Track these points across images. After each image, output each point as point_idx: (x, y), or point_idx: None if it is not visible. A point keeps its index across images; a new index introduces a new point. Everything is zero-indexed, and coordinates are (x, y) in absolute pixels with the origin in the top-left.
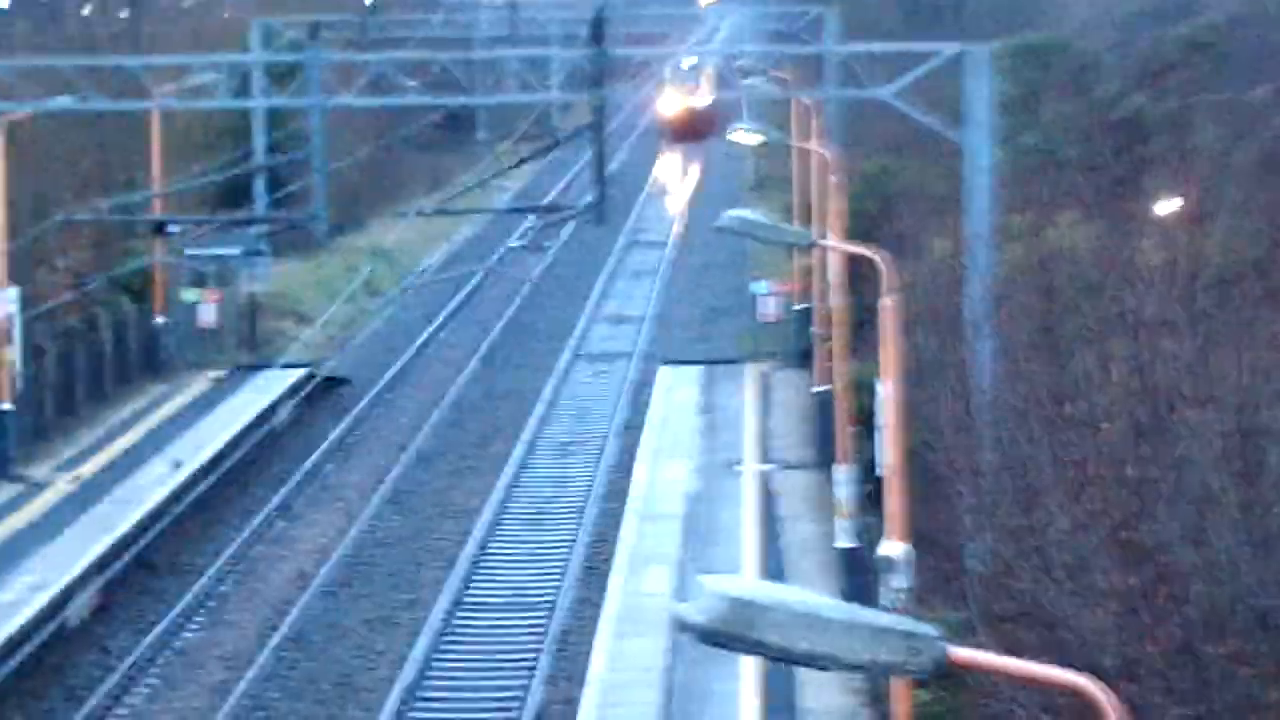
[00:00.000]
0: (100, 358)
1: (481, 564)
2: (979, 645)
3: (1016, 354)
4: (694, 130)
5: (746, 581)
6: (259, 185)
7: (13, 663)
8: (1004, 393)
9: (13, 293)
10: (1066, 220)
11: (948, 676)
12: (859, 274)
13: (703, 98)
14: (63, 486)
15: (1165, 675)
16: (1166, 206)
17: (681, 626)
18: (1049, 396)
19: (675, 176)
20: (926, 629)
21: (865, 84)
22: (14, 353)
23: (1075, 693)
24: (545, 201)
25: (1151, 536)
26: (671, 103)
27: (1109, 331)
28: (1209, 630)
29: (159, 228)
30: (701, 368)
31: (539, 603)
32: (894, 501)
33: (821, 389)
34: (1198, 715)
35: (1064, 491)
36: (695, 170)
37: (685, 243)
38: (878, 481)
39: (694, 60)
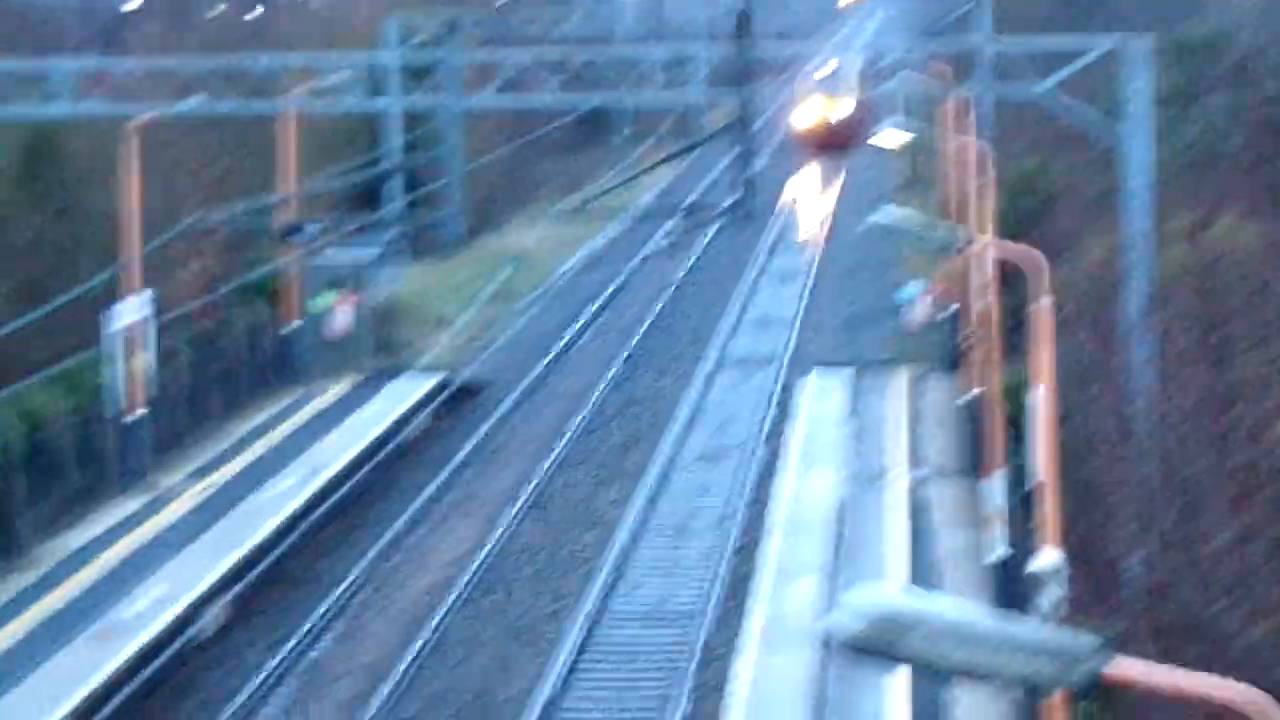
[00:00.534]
0: (233, 364)
1: (624, 574)
2: (1140, 657)
3: (1177, 359)
4: (833, 143)
5: (896, 592)
6: (394, 187)
7: (144, 675)
8: (1164, 399)
9: (146, 296)
10: (1229, 220)
11: (1104, 691)
12: (1012, 275)
13: (842, 108)
14: (195, 495)
15: None
16: None
17: (831, 639)
18: (1212, 402)
19: (813, 194)
20: (1083, 641)
21: (1018, 80)
22: (147, 358)
23: (1239, 708)
24: (687, 203)
25: None
26: (807, 114)
27: (1275, 334)
28: None
29: (292, 231)
30: (850, 372)
31: (683, 614)
32: (1049, 511)
33: (971, 394)
34: None
35: (1227, 501)
36: (835, 188)
37: (823, 270)
38: (1028, 490)
39: (833, 66)
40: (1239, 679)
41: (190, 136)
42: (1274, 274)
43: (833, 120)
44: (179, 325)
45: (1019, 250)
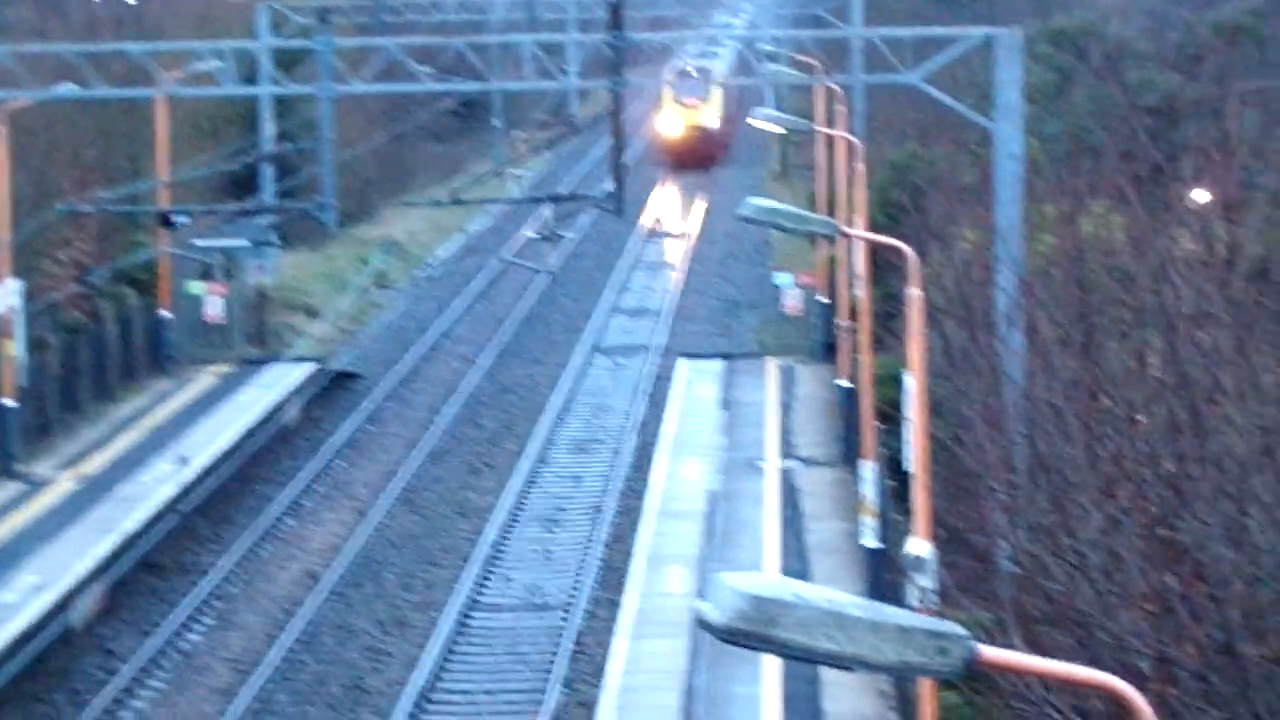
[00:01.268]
0: (104, 352)
1: (495, 563)
2: (1010, 646)
3: (1048, 347)
4: (700, 155)
5: (769, 579)
6: (266, 175)
7: (15, 664)
8: (1035, 387)
9: (15, 285)
10: (1099, 209)
11: (977, 678)
12: (885, 265)
13: (707, 115)
14: (66, 484)
15: (1203, 677)
16: (1201, 195)
17: (702, 625)
18: (1082, 390)
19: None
20: (955, 629)
21: (890, 70)
22: (17, 347)
23: (1109, 695)
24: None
25: (1189, 534)
26: (672, 121)
27: (1144, 323)
28: (1248, 631)
29: (164, 218)
30: (722, 362)
31: (555, 604)
32: (921, 498)
33: (845, 383)
34: (1235, 718)
35: (1098, 488)
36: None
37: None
38: (904, 478)
39: (698, 65)
40: (1106, 668)
41: (63, 123)
42: (1140, 265)
43: (694, 130)
44: (49, 314)
45: (889, 240)
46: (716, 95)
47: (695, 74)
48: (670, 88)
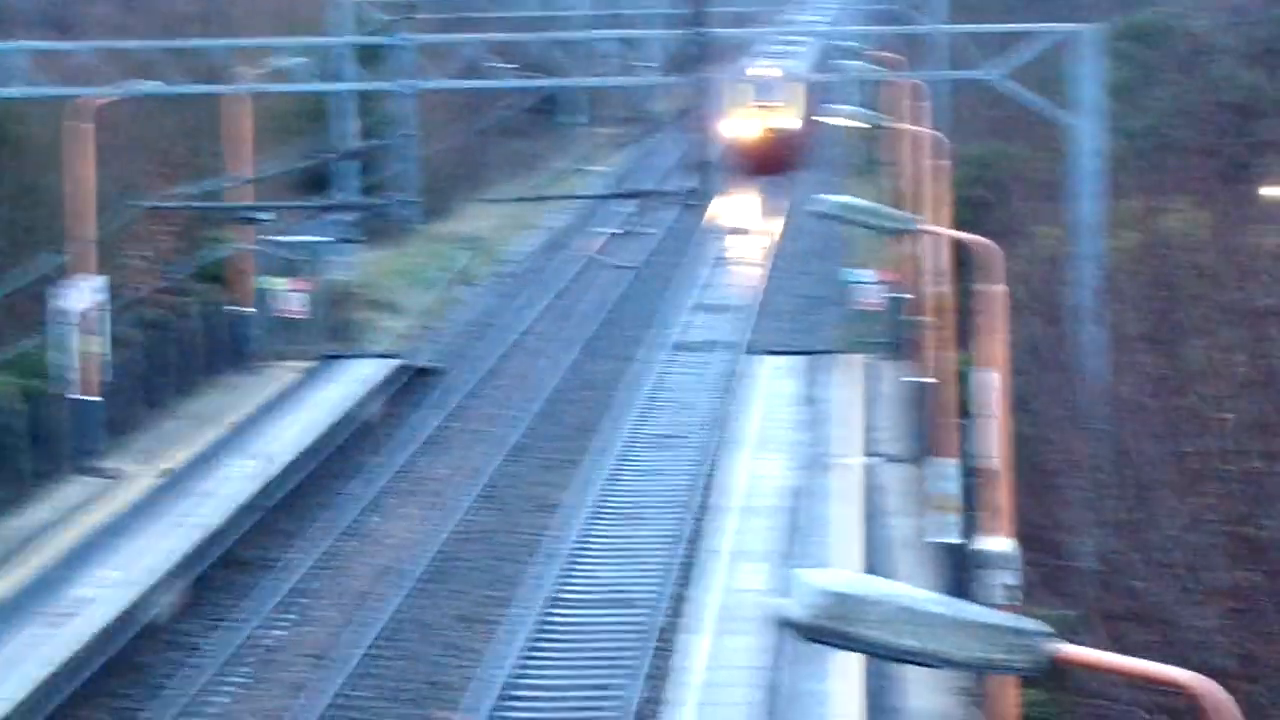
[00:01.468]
0: (187, 348)
1: (578, 559)
2: (1090, 643)
3: (1128, 344)
4: (780, 160)
5: (848, 575)
6: (348, 171)
7: (98, 660)
8: (1118, 383)
9: (99, 281)
10: (1179, 206)
11: (1055, 675)
12: (963, 261)
13: (784, 118)
14: (148, 480)
15: (1278, 676)
16: None
17: (781, 622)
18: (1163, 388)
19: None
20: (1034, 625)
21: (972, 66)
22: (102, 342)
23: (1188, 692)
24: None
25: (1270, 532)
26: (746, 125)
27: (1225, 320)
28: None
29: (247, 215)
30: (802, 358)
31: (637, 599)
32: (1001, 494)
33: (921, 379)
34: None
35: (1180, 485)
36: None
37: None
38: (973, 474)
39: (779, 64)
40: (1188, 665)
41: (146, 120)
42: (1223, 262)
43: (773, 133)
44: (132, 310)
45: (972, 236)
46: (799, 94)
47: (776, 72)
48: (749, 88)
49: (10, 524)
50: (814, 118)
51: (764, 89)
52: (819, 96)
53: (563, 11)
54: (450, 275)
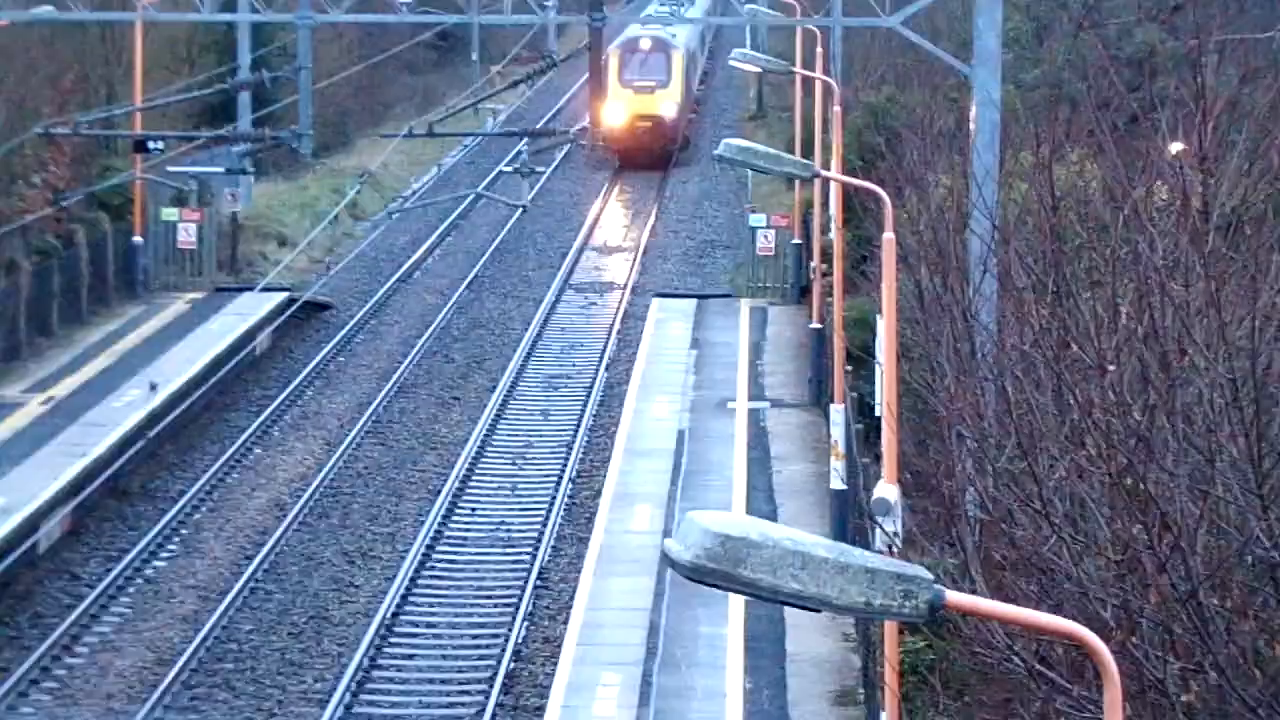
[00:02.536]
0: (76, 276)
1: (463, 498)
2: (975, 592)
3: (1020, 294)
4: (654, 151)
5: (737, 518)
6: (243, 103)
7: None
8: (1007, 334)
9: None
10: (1072, 159)
11: (941, 623)
12: (860, 208)
13: (668, 101)
14: (35, 407)
15: (1165, 626)
16: (1178, 146)
17: (670, 563)
18: (1053, 338)
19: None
20: (921, 572)
21: (872, 13)
22: None
23: (1072, 642)
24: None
25: (1156, 485)
26: (619, 109)
27: (1116, 273)
28: (1212, 582)
29: (139, 144)
30: (694, 301)
31: (522, 539)
32: (889, 442)
33: (816, 325)
34: (1197, 667)
35: (1065, 436)
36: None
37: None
38: (875, 421)
39: (655, 34)
40: (1070, 616)
41: (40, 46)
42: (1113, 216)
43: (645, 121)
44: (21, 236)
45: (861, 183)
46: (677, 69)
47: (651, 46)
48: (618, 63)
49: None
50: (691, 91)
51: (635, 65)
52: (701, 62)
53: None
54: (342, 209)
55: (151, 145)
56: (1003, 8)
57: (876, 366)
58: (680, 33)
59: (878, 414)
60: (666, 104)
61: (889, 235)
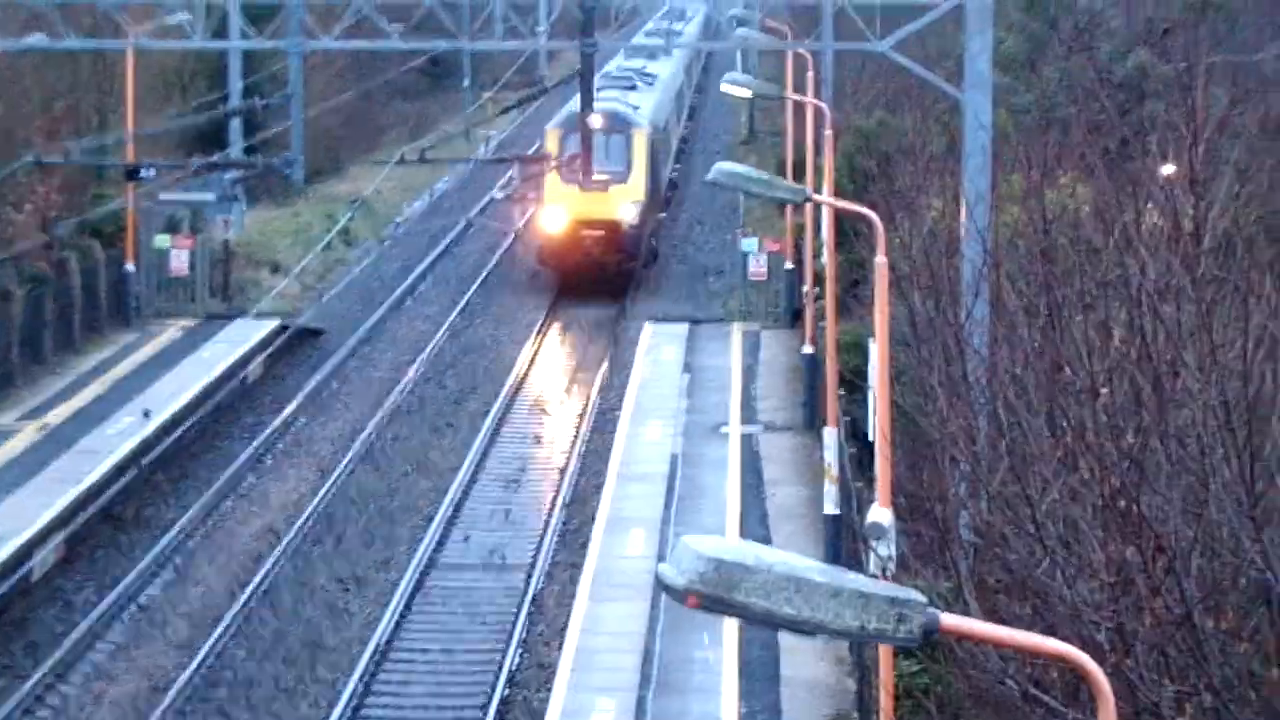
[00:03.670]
0: (69, 304)
1: (457, 523)
2: (968, 615)
3: (1012, 318)
4: (606, 261)
5: (730, 543)
6: (234, 130)
7: None
8: (1000, 357)
9: None
10: (1063, 182)
11: (935, 646)
12: (852, 232)
13: (627, 203)
14: (27, 435)
15: (1160, 649)
16: (1169, 169)
17: (664, 588)
18: (1045, 362)
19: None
20: (915, 596)
21: (864, 37)
22: None
23: (1066, 665)
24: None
25: (1149, 507)
26: (552, 214)
27: (1108, 296)
28: (1206, 604)
29: (131, 172)
30: (687, 326)
31: (517, 565)
32: (882, 466)
33: (809, 349)
34: (1192, 689)
35: (1059, 459)
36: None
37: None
38: (868, 445)
39: (609, 108)
40: (1066, 635)
41: (31, 74)
42: (1106, 238)
43: (594, 228)
44: (13, 265)
45: (855, 207)
46: (640, 159)
47: (604, 124)
48: (558, 147)
49: None
50: (659, 171)
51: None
52: (670, 134)
53: None
54: (334, 236)
55: (143, 173)
56: (994, 31)
57: (869, 391)
58: (645, 101)
59: (870, 438)
60: (625, 206)
61: (881, 259)
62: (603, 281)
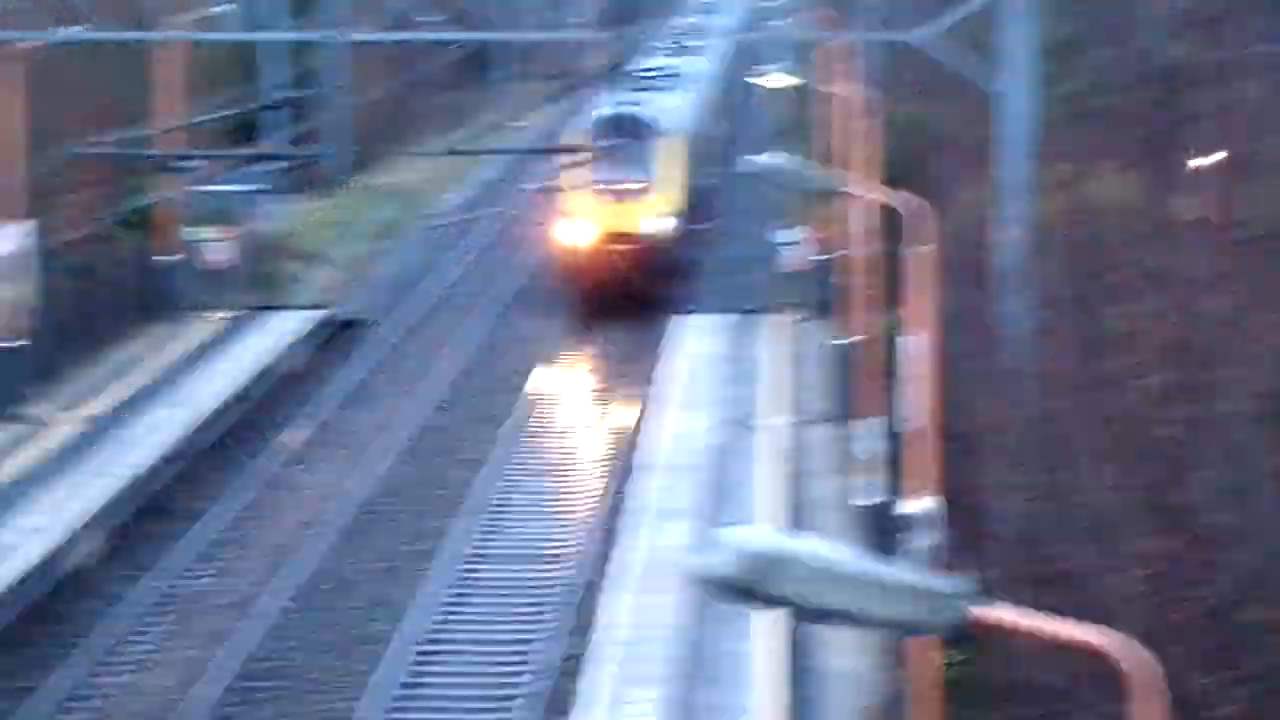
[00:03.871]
0: (113, 296)
1: (499, 515)
2: (1007, 604)
3: (1052, 308)
4: (634, 281)
5: (766, 534)
6: (275, 121)
7: (14, 607)
8: (1038, 348)
9: (29, 226)
10: (1106, 173)
11: (971, 638)
12: (889, 224)
13: (655, 215)
14: (70, 427)
15: (1196, 641)
16: (1207, 160)
17: (700, 580)
18: (1086, 353)
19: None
20: (953, 586)
21: (900, 27)
22: (30, 289)
23: (1103, 655)
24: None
25: (1185, 499)
26: (576, 226)
27: (1146, 287)
28: (1242, 595)
29: (170, 164)
30: (726, 317)
31: (556, 555)
32: (923, 456)
33: (844, 341)
34: (1233, 680)
35: (1099, 451)
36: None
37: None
38: (895, 437)
39: (631, 105)
40: (1107, 627)
41: (74, 66)
42: (1149, 227)
43: (624, 242)
44: (56, 257)
45: (900, 196)
46: (676, 164)
47: (625, 127)
48: (583, 139)
49: None
50: (700, 187)
51: (612, 163)
52: (719, 137)
53: None
54: (378, 227)
55: (183, 165)
56: (1032, 20)
57: (898, 383)
58: (673, 104)
59: (897, 430)
60: (655, 213)
61: (922, 248)
62: (631, 299)
